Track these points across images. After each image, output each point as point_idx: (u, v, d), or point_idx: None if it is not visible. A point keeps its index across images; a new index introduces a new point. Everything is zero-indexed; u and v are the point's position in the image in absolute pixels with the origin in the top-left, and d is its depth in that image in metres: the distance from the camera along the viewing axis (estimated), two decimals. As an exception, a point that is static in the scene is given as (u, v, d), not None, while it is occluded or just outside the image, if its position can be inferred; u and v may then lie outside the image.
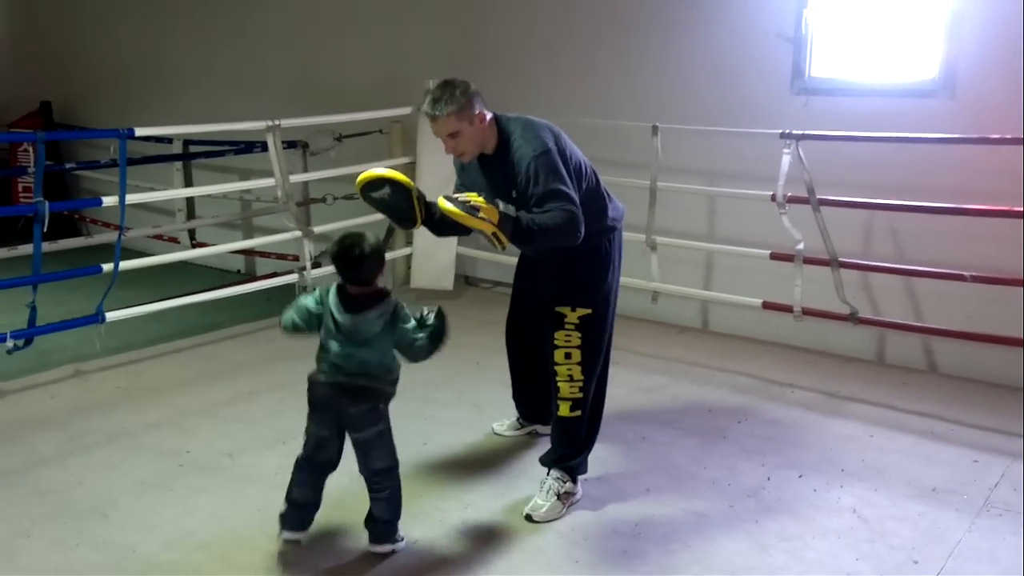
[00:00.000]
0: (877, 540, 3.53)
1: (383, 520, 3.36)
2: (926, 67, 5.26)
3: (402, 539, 3.41)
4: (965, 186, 4.98)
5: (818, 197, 5.06)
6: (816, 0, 5.52)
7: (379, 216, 6.40)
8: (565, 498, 3.70)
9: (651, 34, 6.12)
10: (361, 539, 3.41)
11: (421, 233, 6.51)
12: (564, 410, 3.75)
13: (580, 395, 3.73)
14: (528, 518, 3.62)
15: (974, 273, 4.79)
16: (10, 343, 4.78)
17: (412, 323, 3.26)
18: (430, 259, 6.52)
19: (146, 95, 8.65)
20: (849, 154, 5.24)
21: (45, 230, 4.82)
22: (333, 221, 6.36)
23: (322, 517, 3.56)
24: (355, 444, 3.32)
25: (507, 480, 3.96)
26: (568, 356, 3.70)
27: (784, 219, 5.20)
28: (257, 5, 7.96)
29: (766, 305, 5.47)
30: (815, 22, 5.57)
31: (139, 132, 5.29)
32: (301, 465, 3.40)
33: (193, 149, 8.00)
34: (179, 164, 8.16)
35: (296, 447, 4.16)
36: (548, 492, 3.70)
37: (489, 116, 3.61)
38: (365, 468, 3.34)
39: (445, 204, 3.37)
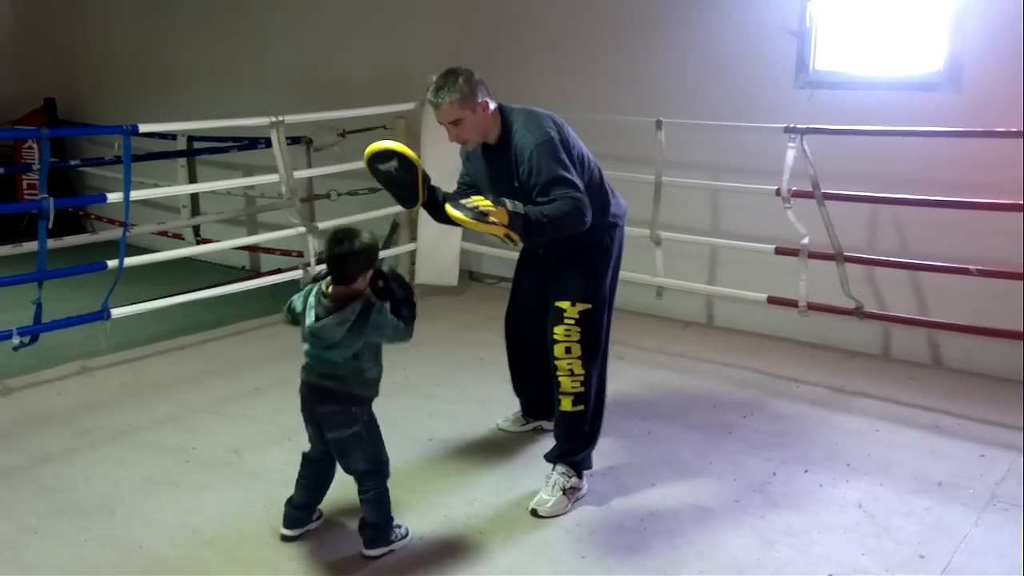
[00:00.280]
0: (883, 535, 3.52)
1: (370, 524, 3.34)
2: (931, 60, 5.24)
3: (403, 537, 3.38)
4: (970, 179, 4.96)
5: (823, 191, 5.05)
6: (820, -7, 5.52)
7: (383, 212, 6.49)
8: (570, 493, 3.70)
9: (655, 29, 6.11)
10: (367, 535, 3.42)
11: (425, 229, 6.56)
12: (567, 405, 3.75)
13: (582, 389, 3.73)
14: (533, 513, 3.62)
15: (980, 267, 4.77)
16: (16, 340, 4.79)
17: (386, 311, 3.18)
18: (434, 255, 6.52)
19: (150, 92, 8.66)
20: (854, 148, 5.23)
21: (50, 227, 4.83)
22: (337, 217, 6.36)
23: (330, 513, 3.57)
24: (330, 444, 3.31)
25: (512, 476, 3.96)
26: (568, 351, 3.70)
27: (789, 213, 5.19)
28: (261, 1, 7.95)
29: (771, 300, 5.46)
30: (819, 15, 5.55)
31: (143, 128, 5.30)
32: (302, 462, 3.44)
33: (197, 145, 8.00)
34: (183, 160, 8.18)
35: (301, 443, 4.17)
36: (553, 487, 3.70)
37: (492, 106, 3.62)
38: (346, 468, 3.35)
39: (454, 212, 3.37)
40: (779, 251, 5.40)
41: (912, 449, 4.28)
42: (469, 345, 5.57)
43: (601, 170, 3.79)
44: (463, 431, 4.40)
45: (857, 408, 4.76)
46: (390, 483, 3.38)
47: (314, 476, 3.44)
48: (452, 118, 3.58)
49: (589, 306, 3.70)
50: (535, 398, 4.26)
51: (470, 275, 7.12)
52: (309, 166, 6.86)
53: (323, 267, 3.29)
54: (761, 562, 3.34)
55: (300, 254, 6.70)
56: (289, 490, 3.48)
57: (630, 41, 6.20)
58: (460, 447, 4.25)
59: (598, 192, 3.71)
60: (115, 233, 5.40)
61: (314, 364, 3.25)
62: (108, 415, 4.58)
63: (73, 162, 8.39)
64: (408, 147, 3.61)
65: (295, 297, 3.32)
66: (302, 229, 5.98)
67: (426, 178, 3.64)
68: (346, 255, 3.14)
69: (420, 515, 3.59)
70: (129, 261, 5.17)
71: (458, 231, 5.94)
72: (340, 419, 3.26)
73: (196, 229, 8.03)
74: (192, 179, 8.22)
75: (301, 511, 3.46)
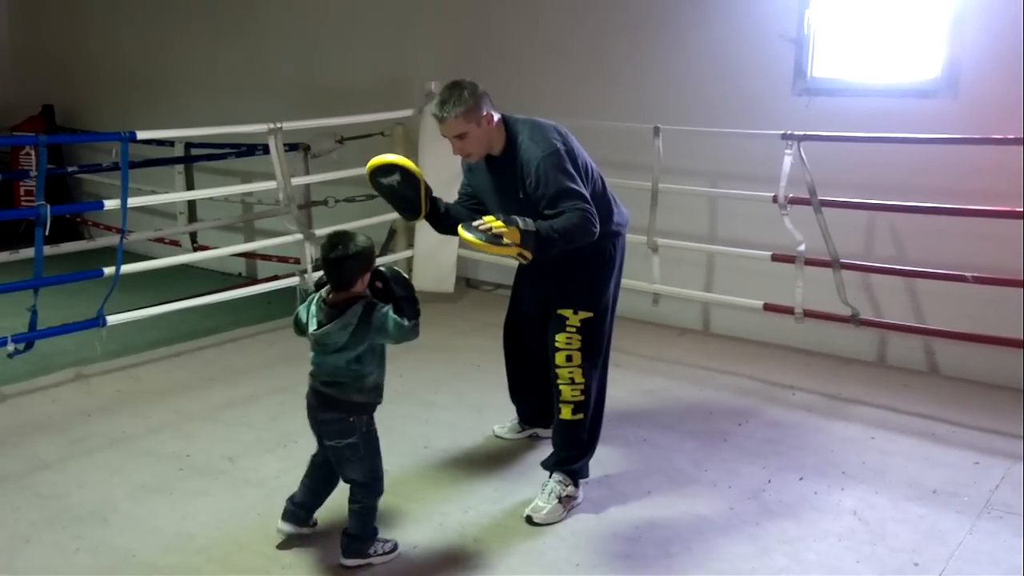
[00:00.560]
0: (878, 542, 3.52)
1: (350, 534, 3.33)
2: (928, 67, 5.25)
3: (387, 552, 3.35)
4: (967, 187, 4.97)
5: (820, 198, 5.05)
6: (818, 0, 5.51)
7: (381, 218, 6.49)
8: (566, 501, 3.70)
9: (653, 35, 6.11)
10: (361, 543, 3.41)
11: (422, 236, 6.56)
12: (566, 413, 3.75)
13: (582, 398, 3.72)
14: (529, 520, 3.61)
15: (976, 274, 4.77)
16: (11, 347, 4.78)
17: (386, 310, 3.17)
18: (431, 261, 6.52)
19: (148, 98, 8.67)
20: (851, 155, 5.23)
21: (47, 233, 4.82)
22: (335, 224, 6.33)
23: (324, 521, 3.56)
24: (328, 451, 3.31)
25: (507, 483, 3.95)
26: (569, 359, 3.69)
27: (786, 220, 5.19)
28: (258, 8, 7.96)
29: (767, 307, 5.46)
30: (817, 22, 5.56)
31: (141, 135, 5.30)
32: (309, 463, 3.45)
33: (195, 152, 8.01)
34: (181, 167, 8.17)
35: (296, 450, 4.18)
36: (550, 495, 3.70)
37: (496, 117, 3.61)
38: (342, 476, 3.35)
39: (467, 235, 3.37)
40: (776, 258, 5.40)
41: (907, 457, 4.27)
42: (466, 352, 5.56)
43: (603, 178, 3.79)
44: (459, 438, 4.40)
45: (853, 415, 4.76)
46: (385, 495, 3.36)
47: (317, 479, 3.44)
48: (457, 132, 3.56)
49: (591, 314, 3.69)
50: (533, 406, 4.26)
51: (467, 282, 7.12)
52: (307, 173, 6.86)
53: (322, 274, 3.29)
54: (756, 569, 3.34)
55: (297, 261, 6.69)
56: (284, 497, 3.47)
57: (628, 48, 6.21)
58: (456, 454, 4.24)
59: (601, 201, 3.70)
60: (112, 240, 5.39)
61: (318, 371, 3.25)
62: (103, 422, 4.57)
63: (70, 169, 8.38)
64: (408, 156, 3.62)
65: (301, 307, 3.31)
66: (299, 236, 5.98)
67: (428, 190, 3.65)
68: (342, 259, 3.13)
69: (415, 522, 3.59)
70: (126, 268, 5.17)
71: (455, 238, 5.94)
72: (337, 428, 3.25)
73: (193, 236, 8.02)
74: (189, 186, 8.22)
75: (300, 510, 3.46)
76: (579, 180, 3.54)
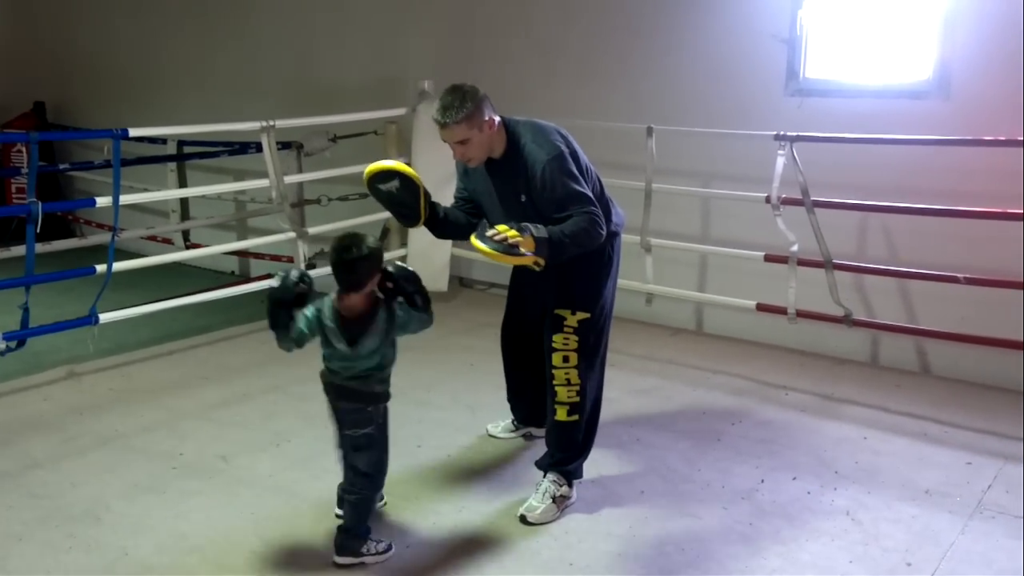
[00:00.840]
0: (870, 542, 3.53)
1: (344, 528, 3.34)
2: (920, 68, 5.26)
3: (381, 552, 3.34)
4: (959, 188, 4.98)
5: (812, 199, 5.06)
6: (810, 1, 5.53)
7: (374, 217, 6.48)
8: (560, 501, 3.70)
9: (646, 36, 6.12)
10: (354, 542, 3.41)
11: (416, 234, 6.55)
12: (561, 414, 3.74)
13: (578, 399, 3.72)
14: (522, 519, 3.61)
15: (968, 275, 4.79)
16: (3, 344, 4.76)
17: (406, 308, 3.25)
18: (425, 260, 6.50)
19: (140, 96, 8.64)
20: (843, 156, 5.24)
21: (38, 231, 4.80)
22: (328, 222, 6.36)
23: (315, 521, 3.56)
24: (343, 439, 3.33)
25: (501, 483, 3.96)
26: (566, 359, 3.69)
27: (778, 221, 5.20)
28: (251, 5, 7.95)
29: (760, 307, 5.47)
30: (809, 23, 5.57)
31: (133, 133, 5.28)
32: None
33: (187, 150, 7.99)
34: (173, 165, 8.15)
35: (289, 449, 4.18)
36: (544, 494, 3.70)
37: (497, 121, 3.59)
38: (349, 467, 3.34)
39: (480, 244, 3.36)
40: (768, 258, 5.41)
41: (900, 457, 4.29)
42: (459, 351, 5.56)
43: (601, 179, 3.79)
44: (453, 438, 4.40)
45: (846, 416, 4.77)
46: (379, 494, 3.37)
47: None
48: (459, 138, 3.53)
49: (588, 315, 3.69)
50: (530, 407, 4.25)
51: (460, 281, 7.12)
52: (300, 171, 6.85)
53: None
54: (749, 569, 3.35)
55: (290, 259, 6.69)
56: (277, 496, 3.48)
57: (621, 48, 6.21)
58: (449, 454, 4.24)
59: (600, 202, 3.70)
60: (104, 237, 5.38)
61: (341, 371, 3.26)
62: (96, 420, 4.56)
63: (62, 166, 8.36)
64: (401, 155, 3.61)
65: (298, 319, 3.24)
66: (292, 234, 5.97)
67: (427, 195, 3.64)
68: (355, 261, 3.13)
69: (409, 522, 3.59)
70: (118, 266, 5.16)
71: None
72: (355, 418, 3.28)
73: (186, 234, 8.00)
74: (182, 183, 8.19)
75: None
76: (584, 182, 3.54)
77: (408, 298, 3.26)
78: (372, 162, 3.64)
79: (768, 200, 5.21)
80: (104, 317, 5.12)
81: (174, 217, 8.21)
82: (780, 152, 5.11)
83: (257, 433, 4.43)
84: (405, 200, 3.61)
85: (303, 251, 5.98)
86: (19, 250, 4.99)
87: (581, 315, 3.67)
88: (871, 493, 3.91)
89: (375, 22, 7.27)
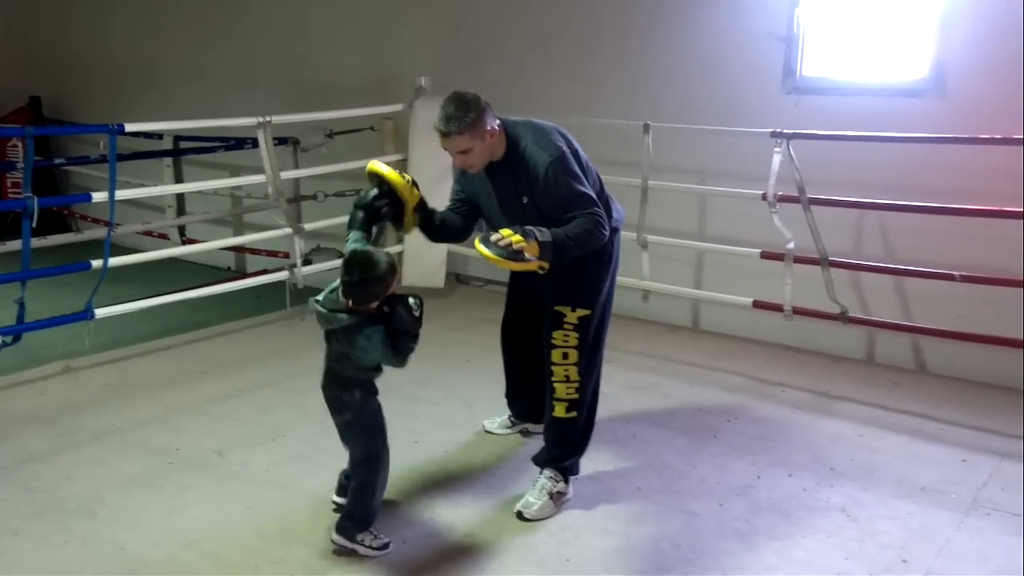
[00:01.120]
0: (866, 539, 3.53)
1: (346, 511, 3.36)
2: (917, 67, 5.27)
3: (377, 547, 3.33)
4: (955, 186, 4.99)
5: (808, 196, 5.07)
6: (807, -1, 5.54)
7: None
8: (557, 498, 3.70)
9: (643, 33, 6.12)
10: (351, 537, 3.41)
11: (413, 231, 6.53)
12: (560, 411, 3.74)
13: (576, 396, 3.73)
14: (519, 515, 3.61)
15: (963, 273, 4.80)
16: (-1, 339, 4.77)
17: (377, 339, 3.15)
18: (421, 257, 6.51)
19: (136, 91, 8.63)
20: (840, 153, 5.24)
21: (34, 226, 4.80)
22: (324, 218, 6.35)
23: (311, 516, 3.56)
24: (336, 427, 3.37)
25: (498, 479, 3.96)
26: (565, 356, 3.69)
27: (775, 218, 5.21)
28: (248, 1, 7.93)
29: (756, 304, 5.48)
30: (806, 21, 5.57)
31: (129, 128, 5.28)
32: None
33: (183, 145, 7.98)
34: (169, 160, 8.16)
35: (285, 444, 4.17)
36: (541, 491, 3.69)
37: (497, 126, 3.56)
38: (350, 451, 3.38)
39: (485, 250, 3.33)
40: (765, 255, 5.42)
41: (896, 454, 4.29)
42: (455, 347, 5.56)
43: (600, 177, 3.79)
44: (449, 433, 4.40)
45: (841, 413, 4.78)
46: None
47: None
48: (461, 148, 3.50)
49: (588, 312, 3.69)
50: (528, 403, 4.24)
51: (456, 277, 7.12)
52: (296, 167, 6.86)
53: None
54: (745, 566, 3.35)
55: (286, 255, 6.68)
56: (273, 491, 3.47)
57: (618, 45, 6.21)
58: (446, 449, 4.24)
59: (600, 200, 3.70)
60: (100, 233, 5.37)
61: (329, 347, 3.28)
62: (91, 415, 4.55)
63: (58, 161, 8.35)
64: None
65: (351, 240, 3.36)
66: (288, 230, 5.97)
67: (420, 204, 3.64)
68: (363, 282, 3.12)
69: (405, 517, 3.59)
70: (114, 261, 5.15)
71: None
72: (335, 405, 3.30)
73: (182, 229, 8.00)
74: (178, 179, 8.20)
75: (347, 479, 3.48)
76: (586, 182, 3.54)
77: (394, 332, 3.16)
78: (369, 159, 3.64)
79: (764, 197, 5.22)
80: (100, 312, 5.11)
81: (170, 212, 8.21)
82: (777, 149, 5.11)
83: (253, 428, 4.42)
84: (390, 212, 3.57)
85: (299, 247, 5.97)
86: (15, 245, 4.99)
87: (581, 312, 3.67)
88: (867, 490, 3.92)
89: (372, 18, 7.27)
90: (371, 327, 3.13)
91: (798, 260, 5.23)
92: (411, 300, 3.18)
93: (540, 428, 3.95)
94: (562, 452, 3.79)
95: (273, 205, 5.93)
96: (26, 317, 4.92)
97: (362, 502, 3.34)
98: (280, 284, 6.07)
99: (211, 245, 6.57)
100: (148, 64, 8.61)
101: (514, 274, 4.11)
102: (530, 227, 3.38)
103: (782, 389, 5.08)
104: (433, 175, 5.74)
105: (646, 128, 5.59)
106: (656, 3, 6.06)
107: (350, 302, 3.15)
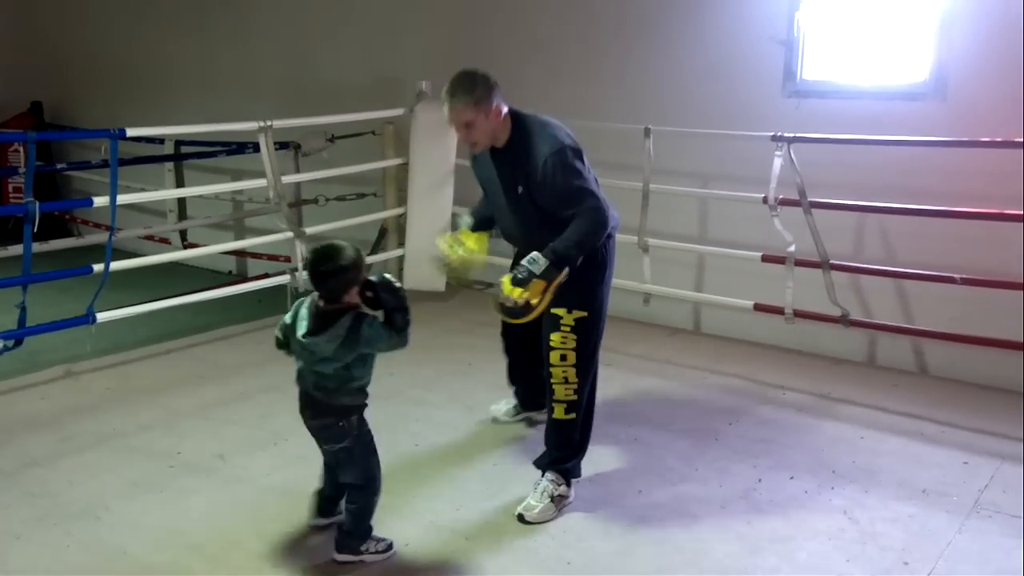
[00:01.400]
0: (868, 542, 3.53)
1: (344, 530, 3.33)
2: (917, 70, 5.27)
3: (382, 551, 3.34)
4: (956, 189, 4.99)
5: (809, 199, 5.07)
6: (808, 3, 5.54)
7: (371, 217, 6.49)
8: (558, 501, 3.70)
9: (644, 36, 6.12)
10: (353, 541, 3.41)
11: (413, 235, 6.55)
12: (559, 412, 3.76)
13: (575, 397, 3.74)
14: (520, 518, 3.62)
15: (964, 275, 4.80)
16: (0, 344, 4.76)
17: (377, 323, 3.15)
18: (422, 260, 6.51)
19: (138, 95, 8.64)
20: (840, 157, 5.25)
21: (36, 230, 4.80)
22: (325, 222, 6.36)
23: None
24: (324, 454, 3.33)
25: (499, 481, 3.96)
26: (563, 358, 3.70)
27: (776, 221, 5.21)
28: (249, 5, 7.95)
29: (757, 307, 5.48)
30: (807, 25, 5.58)
31: (130, 132, 5.28)
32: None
33: (185, 150, 7.99)
34: (170, 165, 8.16)
35: (287, 448, 4.18)
36: (542, 493, 3.70)
37: (505, 110, 3.62)
38: (340, 478, 3.35)
39: (507, 318, 3.59)
40: (766, 259, 5.42)
41: (897, 456, 4.29)
42: (456, 350, 5.56)
43: (598, 181, 3.80)
44: (450, 436, 4.40)
45: (843, 415, 4.78)
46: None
47: (331, 473, 3.43)
48: (464, 120, 3.56)
49: (585, 314, 3.70)
50: (530, 387, 4.31)
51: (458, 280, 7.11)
52: (297, 171, 6.86)
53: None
54: (747, 568, 3.35)
55: (287, 259, 6.69)
56: (274, 494, 3.47)
57: (619, 49, 6.22)
58: (447, 452, 4.24)
59: None
60: (101, 237, 5.38)
61: (306, 374, 3.23)
62: (93, 419, 4.56)
63: (60, 166, 8.36)
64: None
65: (288, 314, 3.27)
66: (289, 234, 5.97)
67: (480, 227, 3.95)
68: (328, 274, 3.10)
69: (406, 520, 3.59)
70: (115, 265, 5.16)
71: (447, 236, 5.96)
72: (329, 434, 3.26)
73: (183, 233, 8.00)
74: (179, 183, 8.20)
75: (327, 503, 3.48)
76: (586, 177, 3.57)
77: (387, 314, 3.17)
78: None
79: (765, 201, 5.22)
80: (101, 316, 5.11)
81: (171, 217, 8.21)
82: (777, 153, 5.12)
83: (255, 432, 4.42)
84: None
85: (300, 251, 5.97)
86: (16, 249, 4.99)
87: (578, 313, 3.68)
88: (868, 492, 3.92)
89: (373, 22, 7.28)
90: (365, 318, 3.13)
91: (799, 263, 5.23)
92: (386, 276, 3.21)
93: (543, 417, 3.97)
94: (562, 454, 3.79)
95: (274, 209, 5.94)
96: (28, 321, 4.92)
97: (362, 522, 3.33)
98: (281, 288, 6.07)
99: (212, 249, 6.57)
100: (149, 69, 8.62)
101: None
102: (524, 266, 3.50)
103: (783, 392, 5.08)
104: (434, 179, 5.77)
105: (647, 132, 5.59)
106: (657, 8, 6.07)
107: (324, 302, 3.13)
